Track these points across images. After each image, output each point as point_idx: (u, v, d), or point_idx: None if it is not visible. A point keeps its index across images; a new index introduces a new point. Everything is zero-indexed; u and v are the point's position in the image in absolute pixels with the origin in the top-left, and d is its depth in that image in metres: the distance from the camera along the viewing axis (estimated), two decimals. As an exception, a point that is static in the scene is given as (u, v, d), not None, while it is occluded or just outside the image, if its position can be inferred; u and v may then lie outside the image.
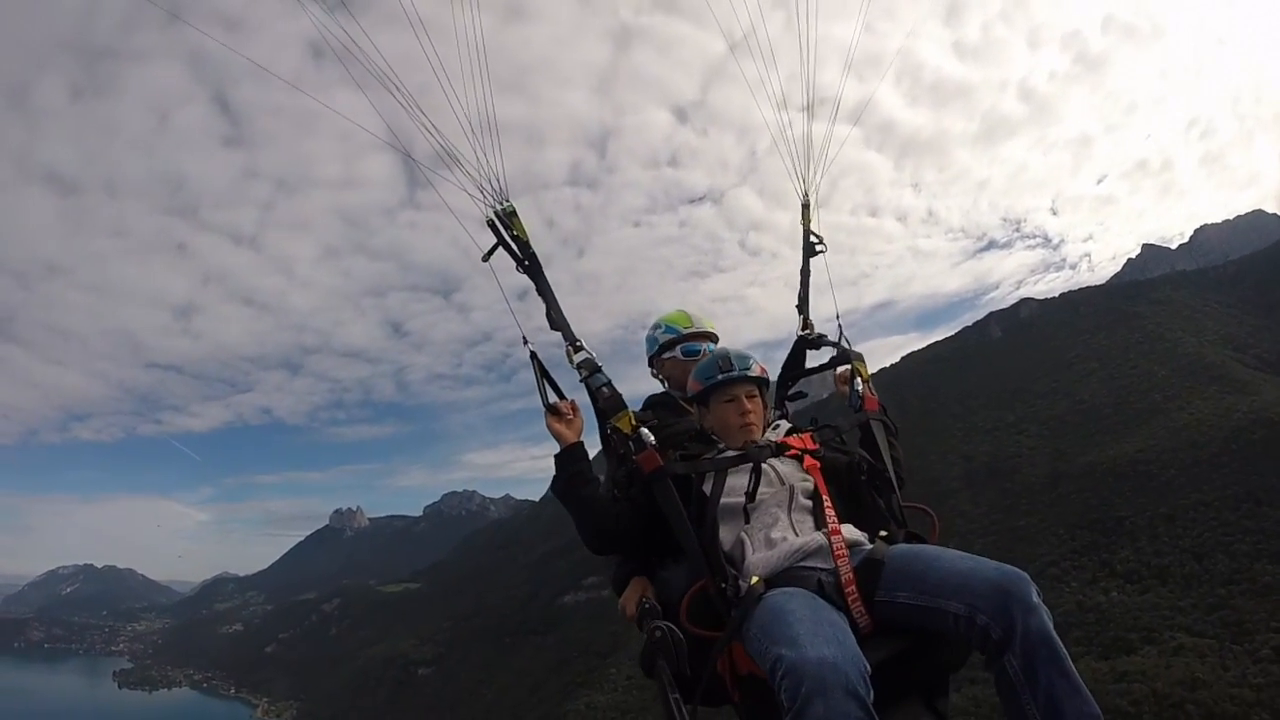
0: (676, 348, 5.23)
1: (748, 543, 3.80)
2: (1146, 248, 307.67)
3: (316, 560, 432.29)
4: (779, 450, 4.11)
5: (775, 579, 3.54)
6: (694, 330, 5.27)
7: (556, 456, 4.25)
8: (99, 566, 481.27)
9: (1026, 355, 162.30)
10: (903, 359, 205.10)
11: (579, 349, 4.36)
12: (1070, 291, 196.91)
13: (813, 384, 5.37)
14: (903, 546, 3.70)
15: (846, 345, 4.96)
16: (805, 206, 5.55)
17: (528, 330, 4.40)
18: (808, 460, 4.07)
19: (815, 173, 5.50)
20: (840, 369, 5.02)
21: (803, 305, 5.39)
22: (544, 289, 4.48)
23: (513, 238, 4.50)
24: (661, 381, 5.37)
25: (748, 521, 3.88)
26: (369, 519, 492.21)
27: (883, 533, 3.80)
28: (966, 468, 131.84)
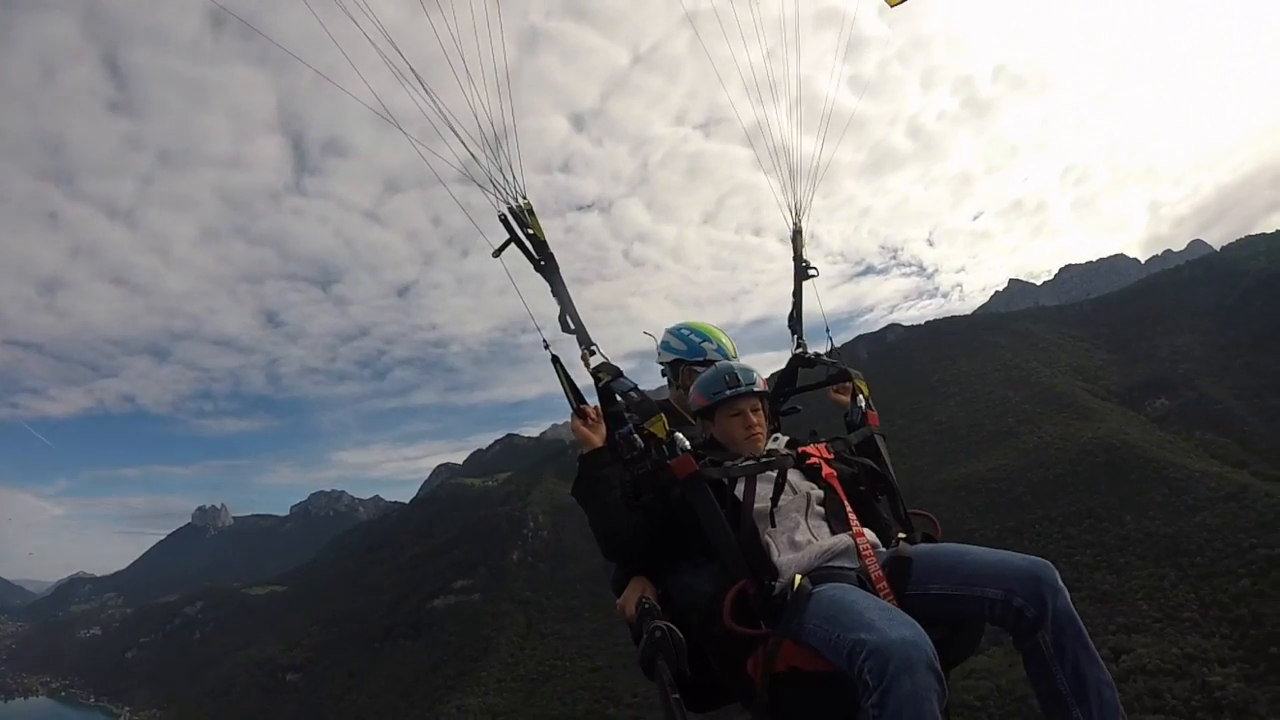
0: (705, 366, 5.08)
1: (773, 545, 3.92)
2: (1013, 282, 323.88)
3: (178, 560, 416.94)
4: (800, 460, 4.23)
5: (811, 577, 3.67)
6: (733, 359, 5.12)
7: (581, 459, 4.35)
8: None
9: (891, 378, 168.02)
10: (769, 376, 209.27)
11: (594, 352, 4.43)
12: (936, 320, 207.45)
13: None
14: (925, 545, 3.95)
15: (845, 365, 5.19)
16: (797, 233, 5.76)
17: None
18: (826, 469, 4.19)
19: (807, 202, 5.71)
20: (838, 385, 5.24)
21: (796, 325, 5.61)
22: (559, 290, 4.51)
23: (528, 236, 4.54)
24: (671, 382, 5.40)
25: (774, 525, 4.01)
26: (234, 518, 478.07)
27: (901, 535, 4.03)
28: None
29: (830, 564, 3.76)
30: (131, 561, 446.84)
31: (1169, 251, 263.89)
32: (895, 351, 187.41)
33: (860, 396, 4.95)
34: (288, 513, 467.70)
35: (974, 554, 3.65)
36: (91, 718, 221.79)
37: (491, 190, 4.48)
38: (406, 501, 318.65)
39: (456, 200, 4.47)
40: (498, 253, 4.53)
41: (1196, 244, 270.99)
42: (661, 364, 5.50)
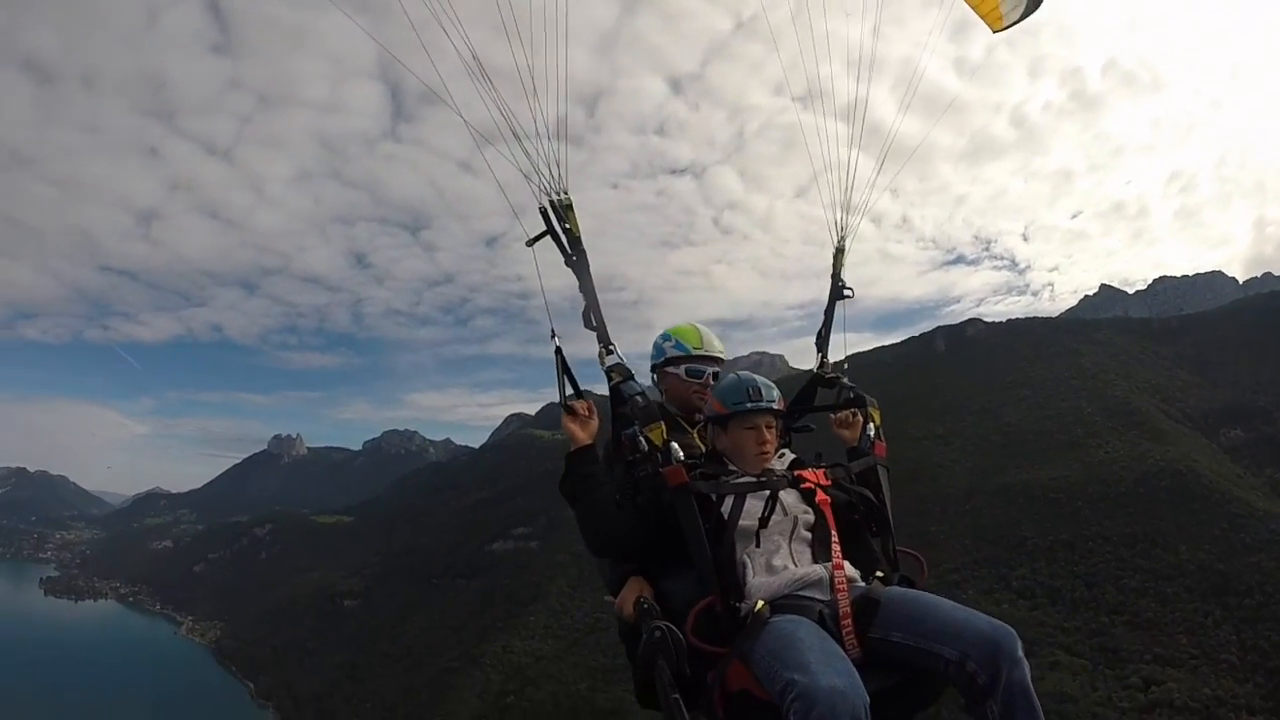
0: (681, 365, 5.19)
1: (750, 566, 3.95)
2: (1105, 288, 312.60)
3: (251, 484, 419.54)
4: (795, 481, 4.19)
5: (775, 605, 3.72)
6: (701, 353, 5.20)
7: (568, 456, 4.37)
8: (31, 471, 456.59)
9: (965, 372, 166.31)
10: (847, 358, 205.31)
11: (611, 352, 4.48)
12: (1017, 319, 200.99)
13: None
14: (898, 589, 3.90)
15: (862, 391, 5.18)
16: (839, 251, 5.75)
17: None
18: (820, 495, 4.16)
19: (854, 221, 5.70)
20: (841, 413, 5.21)
21: (822, 343, 5.58)
22: (587, 286, 4.56)
23: (564, 230, 4.58)
24: (660, 391, 5.33)
25: (757, 546, 4.02)
26: (308, 448, 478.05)
27: (879, 573, 4.03)
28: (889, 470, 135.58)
29: (800, 593, 3.83)
30: (206, 482, 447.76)
31: (1269, 274, 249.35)
32: (973, 347, 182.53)
33: (871, 425, 4.97)
34: (360, 447, 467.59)
35: (940, 609, 3.64)
36: (155, 623, 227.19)
37: (536, 182, 4.58)
38: (476, 446, 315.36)
39: (499, 182, 4.52)
40: (531, 243, 4.62)
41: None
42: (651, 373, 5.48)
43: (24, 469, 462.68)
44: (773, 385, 4.49)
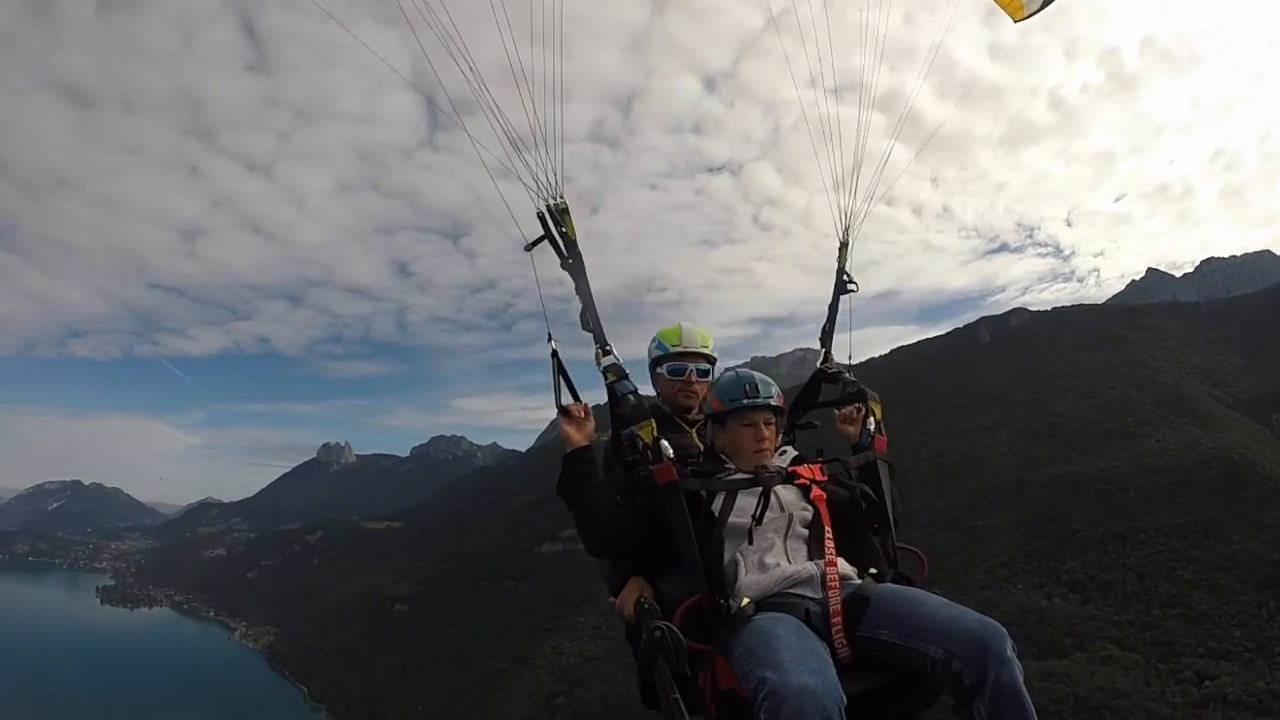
0: (664, 365, 5.22)
1: (742, 564, 3.94)
2: (1151, 272, 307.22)
3: (301, 492, 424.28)
4: (789, 478, 4.17)
5: (764, 603, 3.71)
6: (680, 350, 5.20)
7: (565, 458, 4.40)
8: (86, 484, 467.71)
9: (1011, 363, 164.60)
10: (892, 351, 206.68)
11: (608, 353, 4.48)
12: (1062, 307, 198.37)
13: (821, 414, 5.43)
14: (890, 586, 3.84)
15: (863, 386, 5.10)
16: (843, 246, 5.66)
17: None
18: (815, 491, 4.14)
19: (858, 216, 5.63)
20: (845, 408, 5.11)
21: (826, 339, 5.49)
22: (583, 289, 4.56)
23: (561, 234, 4.58)
24: (656, 393, 5.34)
25: (750, 543, 4.01)
26: (356, 455, 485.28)
27: (872, 570, 4.00)
28: (937, 464, 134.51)
29: (791, 591, 3.81)
30: (257, 491, 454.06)
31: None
32: (1018, 336, 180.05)
33: (872, 419, 4.90)
34: (408, 454, 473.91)
35: (928, 606, 3.57)
36: (208, 629, 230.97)
37: (534, 187, 4.58)
38: (523, 450, 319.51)
39: (499, 190, 4.52)
40: (529, 247, 4.63)
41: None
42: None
43: (79, 482, 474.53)
44: (771, 382, 4.51)
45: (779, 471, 4.19)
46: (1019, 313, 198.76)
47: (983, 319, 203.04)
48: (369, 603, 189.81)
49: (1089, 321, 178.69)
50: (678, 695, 3.45)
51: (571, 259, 4.59)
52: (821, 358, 5.43)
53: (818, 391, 5.35)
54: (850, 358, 5.38)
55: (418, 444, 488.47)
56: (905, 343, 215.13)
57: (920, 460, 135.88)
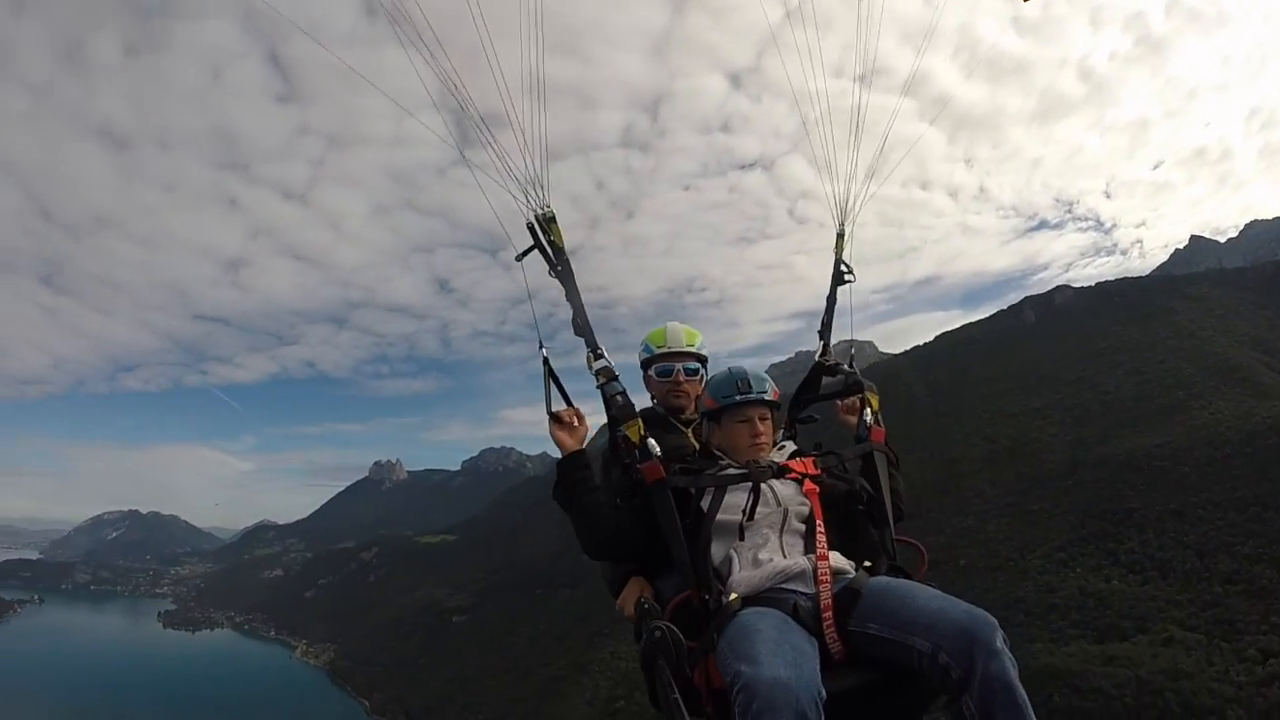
0: (652, 367, 5.29)
1: (735, 560, 3.91)
2: (1195, 239, 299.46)
3: (355, 510, 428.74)
4: (780, 472, 4.17)
5: (755, 599, 3.69)
6: (665, 350, 5.25)
7: (559, 463, 4.40)
8: (143, 513, 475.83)
9: (1057, 342, 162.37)
10: (936, 338, 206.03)
11: (599, 356, 4.47)
12: (1106, 282, 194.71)
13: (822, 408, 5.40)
14: (882, 579, 3.78)
15: (860, 376, 5.07)
16: (840, 236, 5.57)
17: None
18: (807, 484, 4.12)
19: (855, 205, 5.54)
20: (846, 399, 5.08)
21: (824, 331, 5.42)
22: (572, 294, 4.57)
23: (549, 242, 4.60)
24: (651, 396, 5.40)
25: (742, 539, 3.98)
26: (408, 472, 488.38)
27: (867, 563, 3.94)
28: (988, 449, 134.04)
29: (783, 586, 3.78)
30: (312, 511, 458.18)
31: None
32: (1063, 315, 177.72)
33: (869, 410, 4.86)
34: (459, 467, 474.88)
35: (917, 598, 3.50)
36: (270, 648, 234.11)
37: (522, 198, 4.63)
38: None
39: (490, 203, 4.54)
40: (520, 257, 4.66)
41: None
42: None
43: (136, 511, 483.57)
44: (765, 376, 4.55)
45: (770, 466, 4.21)
46: (1063, 290, 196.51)
47: (1027, 299, 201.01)
48: (426, 615, 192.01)
49: (1134, 295, 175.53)
50: (678, 695, 3.44)
51: (560, 266, 4.60)
52: (820, 350, 5.39)
53: (817, 385, 5.33)
54: (853, 350, 5.38)
55: (468, 457, 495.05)
56: (950, 328, 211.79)
57: (971, 446, 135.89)
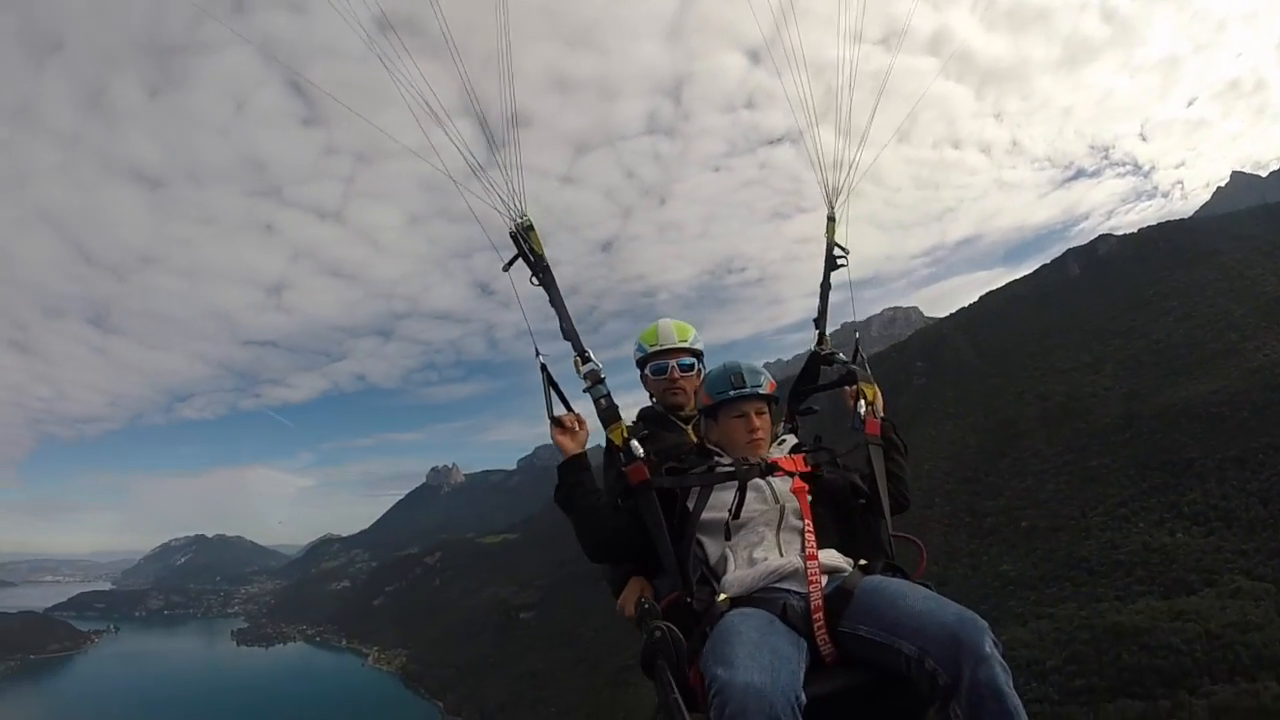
0: (646, 366, 5.25)
1: (731, 559, 3.83)
2: (1236, 175, 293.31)
3: (416, 517, 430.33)
4: (768, 469, 4.09)
5: (745, 599, 3.58)
6: (658, 348, 5.21)
7: (559, 467, 4.39)
8: (209, 536, 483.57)
9: (1104, 293, 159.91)
10: (981, 298, 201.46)
11: (587, 360, 4.48)
12: (1149, 227, 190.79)
13: (821, 399, 5.32)
14: (875, 579, 3.63)
15: (862, 363, 5.01)
16: (830, 219, 5.52)
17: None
18: (795, 481, 4.03)
19: (843, 189, 5.49)
20: (849, 390, 4.96)
21: (820, 320, 5.37)
22: (556, 300, 4.60)
23: (529, 250, 4.63)
24: (649, 395, 5.35)
25: (728, 538, 3.91)
26: (465, 475, 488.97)
27: (861, 561, 3.80)
28: (1042, 408, 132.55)
29: (777, 585, 3.66)
30: (374, 521, 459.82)
31: None
32: (1107, 265, 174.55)
33: (862, 401, 4.75)
34: (515, 466, 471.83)
35: (906, 599, 3.37)
36: (342, 657, 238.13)
37: (502, 209, 4.66)
38: None
39: (476, 215, 4.66)
40: (506, 267, 4.65)
41: None
42: None
43: (202, 535, 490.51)
44: (761, 370, 4.49)
45: (759, 464, 4.12)
46: (1105, 239, 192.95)
47: (1069, 251, 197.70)
48: (494, 614, 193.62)
49: (1178, 238, 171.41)
50: (678, 695, 3.32)
51: (540, 273, 4.62)
52: (816, 340, 5.31)
53: (816, 376, 5.25)
54: (857, 338, 5.18)
55: (523, 455, 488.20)
56: (993, 287, 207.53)
57: (1025, 406, 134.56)
